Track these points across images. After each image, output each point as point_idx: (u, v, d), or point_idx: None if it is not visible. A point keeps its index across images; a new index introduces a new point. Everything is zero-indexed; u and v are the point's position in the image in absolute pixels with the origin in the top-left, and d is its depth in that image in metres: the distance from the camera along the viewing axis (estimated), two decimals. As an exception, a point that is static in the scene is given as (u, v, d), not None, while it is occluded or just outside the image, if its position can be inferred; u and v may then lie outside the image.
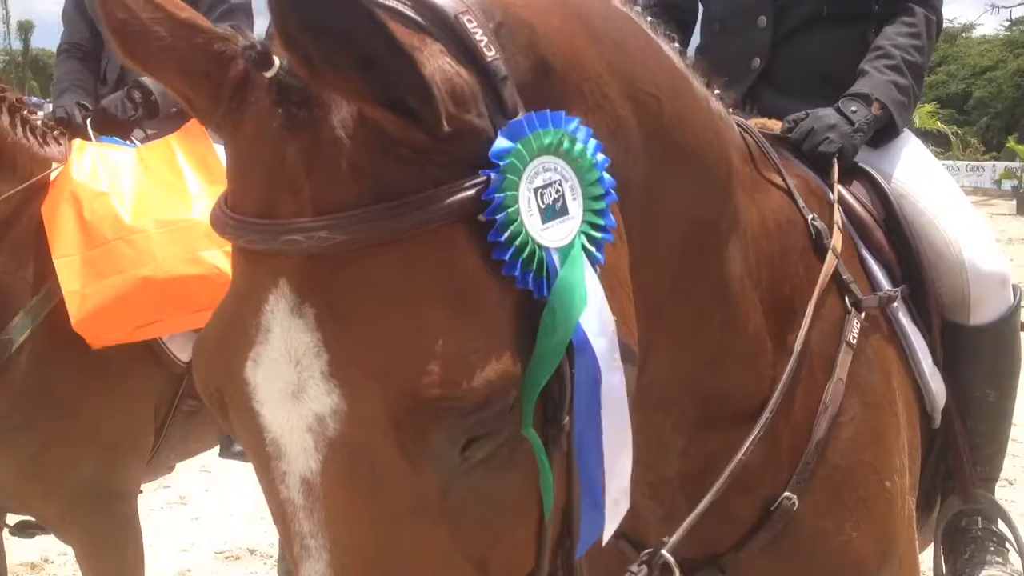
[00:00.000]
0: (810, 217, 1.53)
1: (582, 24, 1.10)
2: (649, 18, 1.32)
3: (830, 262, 1.51)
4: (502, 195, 0.88)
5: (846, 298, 1.54)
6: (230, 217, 0.91)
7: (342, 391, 0.84)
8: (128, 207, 2.68)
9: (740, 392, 1.41)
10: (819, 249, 1.53)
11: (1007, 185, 28.23)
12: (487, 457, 0.88)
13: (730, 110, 1.55)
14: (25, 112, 2.71)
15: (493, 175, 0.88)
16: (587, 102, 1.05)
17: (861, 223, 1.70)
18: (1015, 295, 1.92)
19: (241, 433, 0.94)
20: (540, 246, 0.89)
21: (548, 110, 0.95)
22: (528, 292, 0.89)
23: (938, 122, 15.43)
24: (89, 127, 2.98)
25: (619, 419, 0.97)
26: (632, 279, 1.09)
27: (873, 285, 1.65)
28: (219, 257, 2.52)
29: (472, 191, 0.87)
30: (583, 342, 0.90)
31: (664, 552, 1.30)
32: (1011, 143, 28.24)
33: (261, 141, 0.88)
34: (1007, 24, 52.83)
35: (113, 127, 3.07)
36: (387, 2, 0.92)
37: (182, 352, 2.72)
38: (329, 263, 0.85)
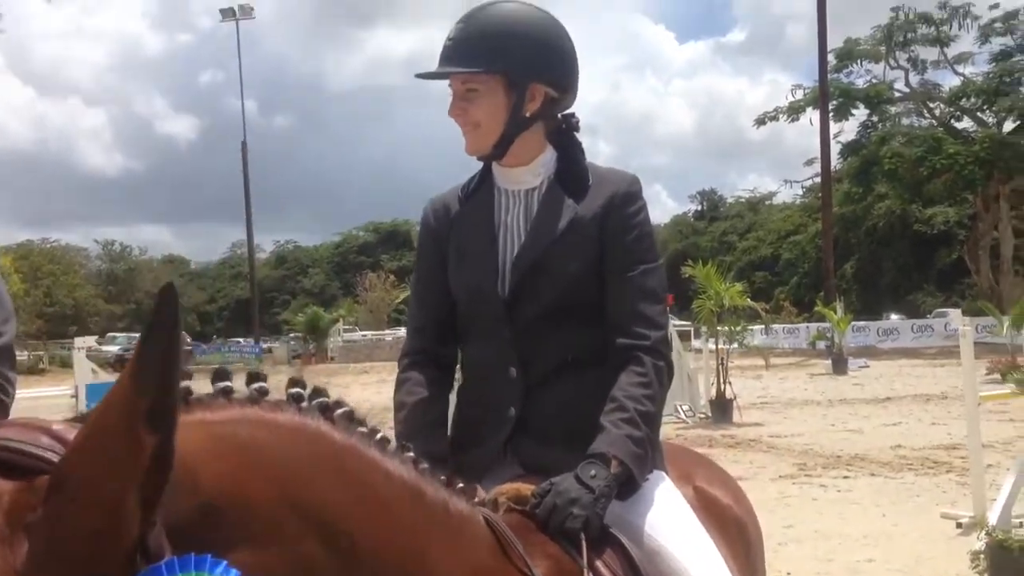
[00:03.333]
0: None
1: (262, 467, 1.19)
2: (380, 435, 1.41)
3: None
4: None
5: None
6: None
7: None
8: None
9: None
10: None
11: (821, 345, 30.18)
12: None
13: (477, 500, 1.60)
14: None
15: None
16: (259, 538, 1.14)
17: None
18: None
19: None
20: None
21: (209, 551, 1.04)
22: None
23: (748, 299, 16.42)
24: None
25: None
26: None
27: None
28: None
29: None
30: None
31: None
32: (819, 305, 30.30)
33: None
34: (803, 192, 57.78)
35: None
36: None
37: None
38: None
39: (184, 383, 1.20)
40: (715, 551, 1.88)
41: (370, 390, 24.16)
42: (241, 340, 52.35)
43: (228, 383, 1.27)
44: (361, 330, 48.46)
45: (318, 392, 1.38)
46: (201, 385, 1.28)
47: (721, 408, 14.91)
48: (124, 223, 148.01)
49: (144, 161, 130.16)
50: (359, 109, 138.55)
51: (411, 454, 1.47)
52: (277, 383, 1.37)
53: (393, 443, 1.46)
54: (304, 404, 1.34)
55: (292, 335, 47.20)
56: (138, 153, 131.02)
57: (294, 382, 1.36)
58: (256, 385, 1.31)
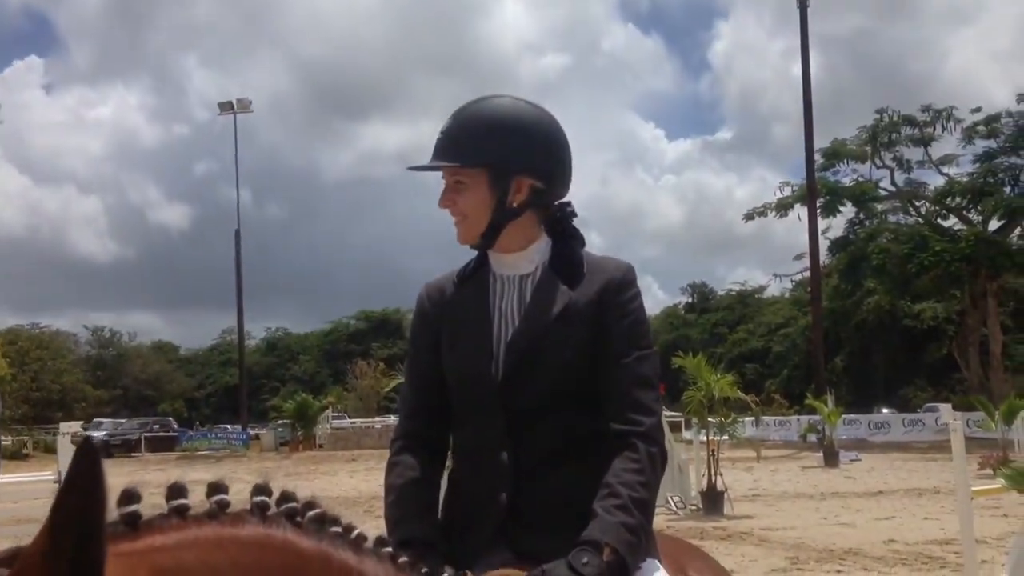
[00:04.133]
0: None
1: None
2: (355, 533, 1.40)
3: None
4: None
5: None
6: None
7: None
8: None
9: None
10: None
11: (812, 438, 29.99)
12: None
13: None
14: None
15: None
16: None
17: None
18: None
19: None
20: None
21: None
22: None
23: (739, 391, 16.39)
24: None
25: None
26: None
27: None
28: None
29: None
30: None
31: None
32: (810, 399, 30.21)
33: None
34: (793, 285, 58.13)
35: None
36: None
37: None
38: None
39: (133, 507, 1.18)
40: None
41: (358, 478, 23.84)
42: (228, 427, 51.74)
43: (183, 500, 1.24)
44: (350, 418, 48.03)
45: (286, 497, 1.35)
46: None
47: (712, 500, 14.75)
48: (115, 309, 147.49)
49: (136, 248, 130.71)
50: (351, 200, 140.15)
51: (389, 549, 1.46)
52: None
53: (371, 539, 1.45)
54: (270, 512, 1.31)
55: (280, 422, 46.70)
56: (131, 240, 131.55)
57: (259, 489, 1.33)
58: (216, 498, 1.27)
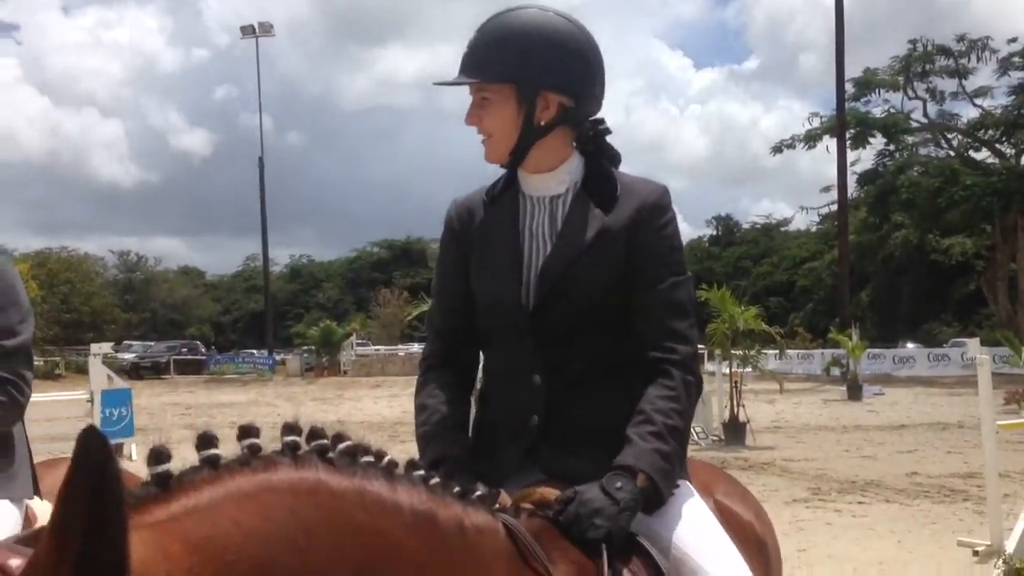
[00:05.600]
0: None
1: (248, 567, 1.15)
2: (386, 460, 1.40)
3: None
4: None
5: None
6: None
7: None
8: None
9: None
10: None
11: (836, 372, 29.99)
12: None
13: (496, 506, 1.59)
14: None
15: None
16: None
17: None
18: None
19: None
20: None
21: None
22: None
23: (763, 324, 16.35)
24: None
25: None
26: None
27: None
28: None
29: None
30: None
31: None
32: (834, 333, 30.12)
33: None
34: (819, 218, 57.41)
35: None
36: None
37: None
38: None
39: (163, 467, 1.16)
40: (743, 564, 1.85)
41: (382, 403, 24.19)
42: (255, 351, 52.43)
43: (214, 451, 1.23)
44: (374, 345, 48.51)
45: (315, 434, 1.34)
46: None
47: (734, 431, 14.84)
48: (138, 234, 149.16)
49: (159, 173, 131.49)
50: (372, 127, 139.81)
51: (420, 472, 1.46)
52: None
53: (401, 464, 1.45)
54: (301, 451, 1.31)
55: (305, 348, 47.27)
56: (153, 165, 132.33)
57: (289, 428, 1.33)
58: (247, 442, 1.27)
